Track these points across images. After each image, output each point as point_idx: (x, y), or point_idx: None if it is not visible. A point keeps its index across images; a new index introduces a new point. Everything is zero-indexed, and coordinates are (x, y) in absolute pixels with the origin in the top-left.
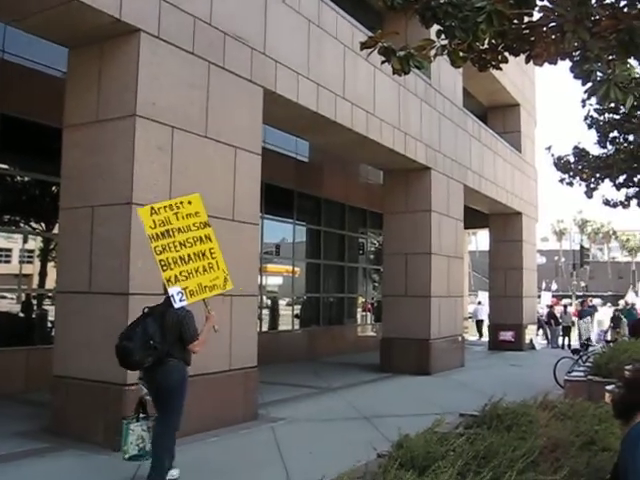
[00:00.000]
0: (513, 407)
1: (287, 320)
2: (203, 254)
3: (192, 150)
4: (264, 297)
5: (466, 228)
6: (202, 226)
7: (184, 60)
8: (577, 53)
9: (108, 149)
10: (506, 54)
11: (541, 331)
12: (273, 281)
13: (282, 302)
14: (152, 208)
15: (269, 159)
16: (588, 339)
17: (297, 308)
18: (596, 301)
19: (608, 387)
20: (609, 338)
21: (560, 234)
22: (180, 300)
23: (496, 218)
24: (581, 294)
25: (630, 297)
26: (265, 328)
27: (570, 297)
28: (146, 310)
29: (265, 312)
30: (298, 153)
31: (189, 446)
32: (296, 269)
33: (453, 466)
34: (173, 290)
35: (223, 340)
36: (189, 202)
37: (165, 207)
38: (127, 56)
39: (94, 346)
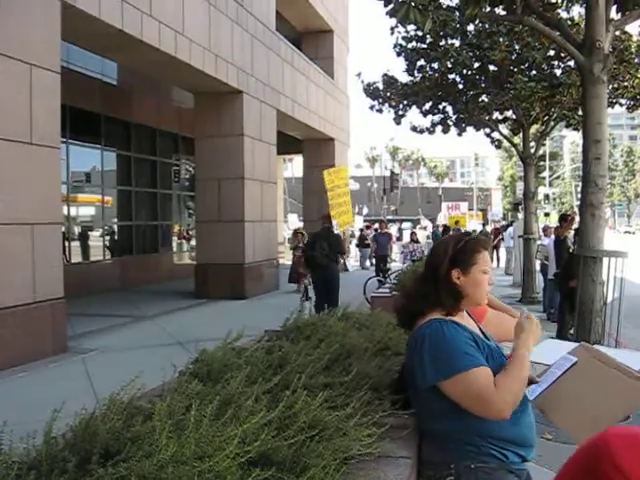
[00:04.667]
0: (313, 319)
1: (99, 250)
2: (345, 202)
3: None
4: (75, 228)
5: (280, 154)
6: (346, 185)
7: None
8: None
9: None
10: None
11: (358, 253)
12: (84, 211)
13: (93, 232)
14: (328, 172)
15: (73, 81)
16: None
17: (109, 238)
18: (405, 224)
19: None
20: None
21: (373, 161)
22: (336, 229)
23: (309, 144)
24: (392, 218)
25: (424, 222)
26: (76, 259)
27: (381, 221)
28: (317, 232)
29: (76, 243)
30: (105, 75)
31: None
32: (108, 198)
33: (243, 373)
34: (334, 222)
35: (25, 272)
36: (342, 170)
37: (334, 172)
38: None
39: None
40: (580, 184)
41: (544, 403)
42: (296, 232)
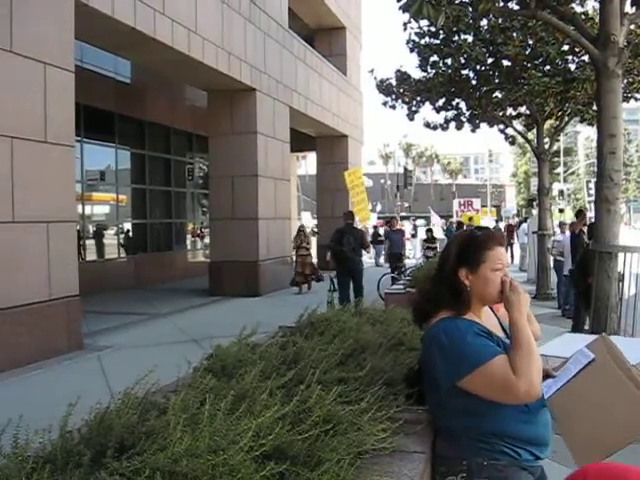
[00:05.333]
0: (327, 315)
1: (114, 248)
2: (363, 200)
3: None
4: (90, 226)
5: (294, 151)
6: (362, 184)
7: None
8: None
9: None
10: None
11: (374, 251)
12: (99, 210)
13: (108, 230)
14: (348, 173)
15: (87, 79)
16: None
17: (124, 236)
18: (420, 221)
19: None
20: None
21: (386, 158)
22: (359, 225)
23: (323, 141)
24: (405, 214)
25: (434, 219)
26: (91, 257)
27: (393, 218)
28: (341, 227)
29: (91, 241)
30: (119, 73)
31: (13, 379)
32: (122, 196)
33: (257, 368)
34: (357, 218)
35: (41, 270)
36: (359, 170)
37: (352, 172)
38: None
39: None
40: (591, 180)
41: (555, 409)
42: (299, 230)
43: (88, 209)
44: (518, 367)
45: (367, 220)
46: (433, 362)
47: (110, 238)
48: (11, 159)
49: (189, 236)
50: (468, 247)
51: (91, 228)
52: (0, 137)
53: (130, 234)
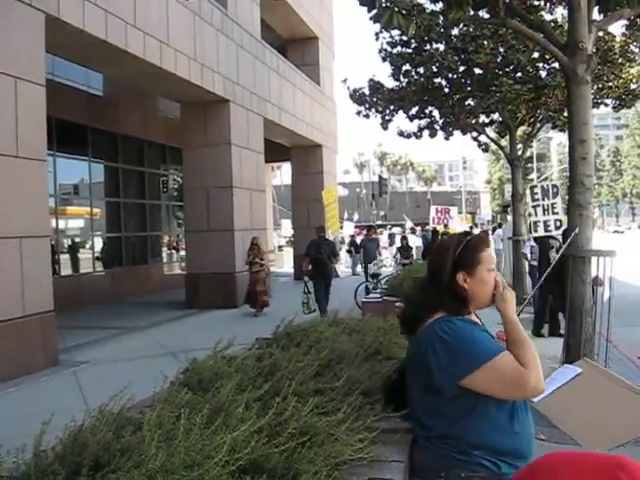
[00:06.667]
0: (304, 326)
1: (89, 262)
2: (334, 215)
3: None
4: (64, 240)
5: (269, 162)
6: (335, 200)
7: None
8: None
9: None
10: None
11: (349, 260)
12: (73, 223)
13: (83, 244)
14: (325, 192)
15: (58, 93)
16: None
17: (98, 250)
18: (396, 229)
19: (397, 304)
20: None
21: (361, 166)
22: (331, 236)
23: (297, 151)
24: (381, 223)
25: (409, 224)
26: (66, 272)
27: (371, 227)
28: (315, 239)
29: (65, 256)
30: (91, 86)
31: None
32: (96, 210)
33: (233, 381)
34: (329, 231)
35: (14, 285)
36: (333, 189)
37: (327, 191)
38: None
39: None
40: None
41: (549, 410)
42: (252, 243)
43: (62, 223)
44: (528, 361)
45: (337, 231)
46: (429, 363)
47: (85, 252)
48: None
49: (165, 248)
50: (463, 251)
51: (65, 242)
52: None
53: (105, 247)
